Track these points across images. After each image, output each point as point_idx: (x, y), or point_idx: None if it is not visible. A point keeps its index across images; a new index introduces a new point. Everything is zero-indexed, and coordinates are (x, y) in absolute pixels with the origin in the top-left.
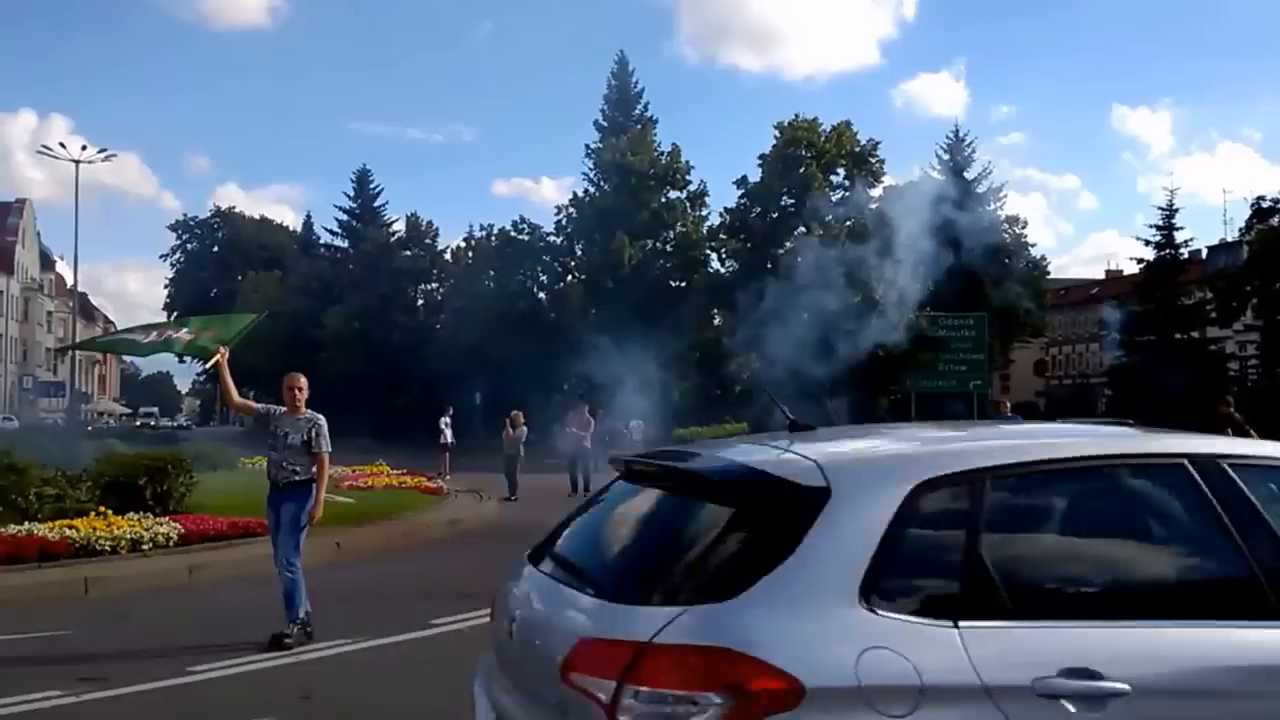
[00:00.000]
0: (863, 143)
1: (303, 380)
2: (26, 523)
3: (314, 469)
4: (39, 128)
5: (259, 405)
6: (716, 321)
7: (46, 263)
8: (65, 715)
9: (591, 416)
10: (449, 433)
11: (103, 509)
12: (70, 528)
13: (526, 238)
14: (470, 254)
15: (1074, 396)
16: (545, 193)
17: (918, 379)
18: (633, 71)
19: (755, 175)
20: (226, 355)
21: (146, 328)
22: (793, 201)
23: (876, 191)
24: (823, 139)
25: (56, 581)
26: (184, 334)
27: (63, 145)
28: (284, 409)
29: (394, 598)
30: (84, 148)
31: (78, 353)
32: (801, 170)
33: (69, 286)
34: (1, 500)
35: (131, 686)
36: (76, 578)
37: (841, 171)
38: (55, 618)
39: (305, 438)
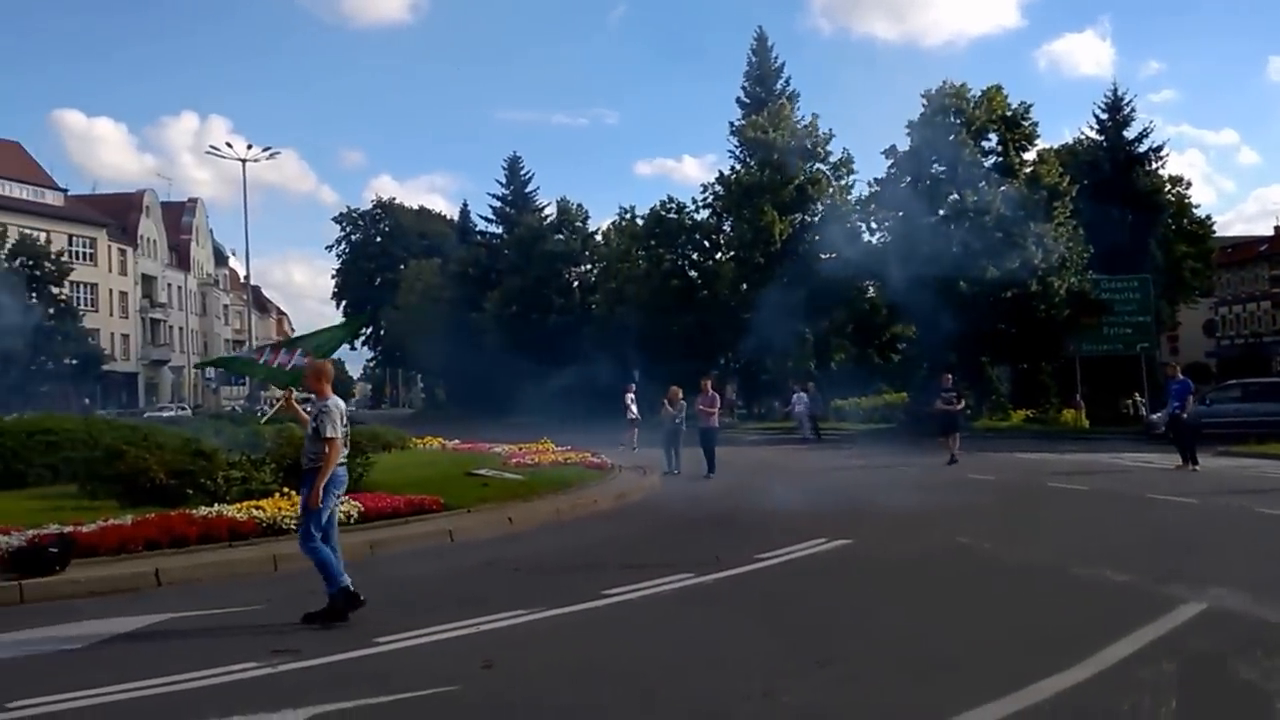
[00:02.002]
0: (1014, 106)
1: (319, 368)
2: (216, 505)
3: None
4: (201, 129)
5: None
6: (870, 292)
7: (220, 258)
8: (262, 685)
9: (718, 393)
10: (634, 407)
11: (286, 489)
12: (257, 508)
13: (675, 216)
14: (619, 234)
15: (1246, 356)
16: (687, 171)
17: (1081, 343)
18: (772, 46)
19: (904, 144)
20: (294, 395)
21: (262, 348)
22: (943, 169)
23: (1030, 155)
24: (972, 105)
25: (247, 559)
26: (297, 357)
27: (229, 145)
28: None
29: (566, 569)
30: (249, 146)
31: (254, 342)
32: (952, 137)
33: (242, 280)
34: (192, 484)
35: (322, 657)
36: (265, 555)
37: (994, 137)
38: (247, 593)
39: (315, 425)
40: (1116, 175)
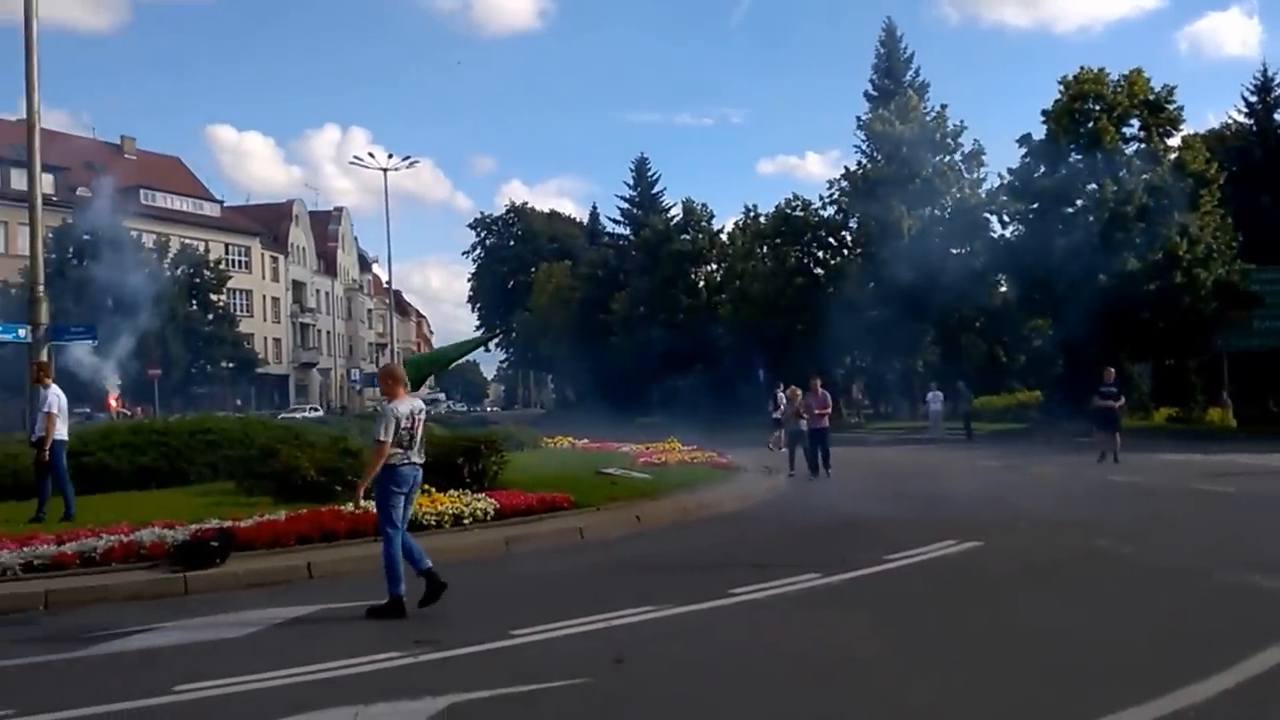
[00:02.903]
0: (1156, 90)
1: (390, 371)
2: (364, 501)
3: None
4: (342, 141)
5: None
6: (1003, 287)
7: (364, 264)
8: (404, 674)
9: (827, 391)
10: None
11: (427, 487)
12: None
13: (799, 214)
14: (744, 233)
15: None
16: (811, 168)
17: (1229, 338)
18: (900, 37)
19: (1039, 133)
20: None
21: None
22: (1081, 158)
23: (1174, 141)
24: (1111, 90)
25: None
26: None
27: (371, 155)
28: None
29: (693, 568)
30: (390, 156)
31: (396, 345)
32: (1091, 124)
33: (384, 285)
34: (341, 481)
35: (461, 649)
36: None
37: (1135, 123)
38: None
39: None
40: (1268, 160)
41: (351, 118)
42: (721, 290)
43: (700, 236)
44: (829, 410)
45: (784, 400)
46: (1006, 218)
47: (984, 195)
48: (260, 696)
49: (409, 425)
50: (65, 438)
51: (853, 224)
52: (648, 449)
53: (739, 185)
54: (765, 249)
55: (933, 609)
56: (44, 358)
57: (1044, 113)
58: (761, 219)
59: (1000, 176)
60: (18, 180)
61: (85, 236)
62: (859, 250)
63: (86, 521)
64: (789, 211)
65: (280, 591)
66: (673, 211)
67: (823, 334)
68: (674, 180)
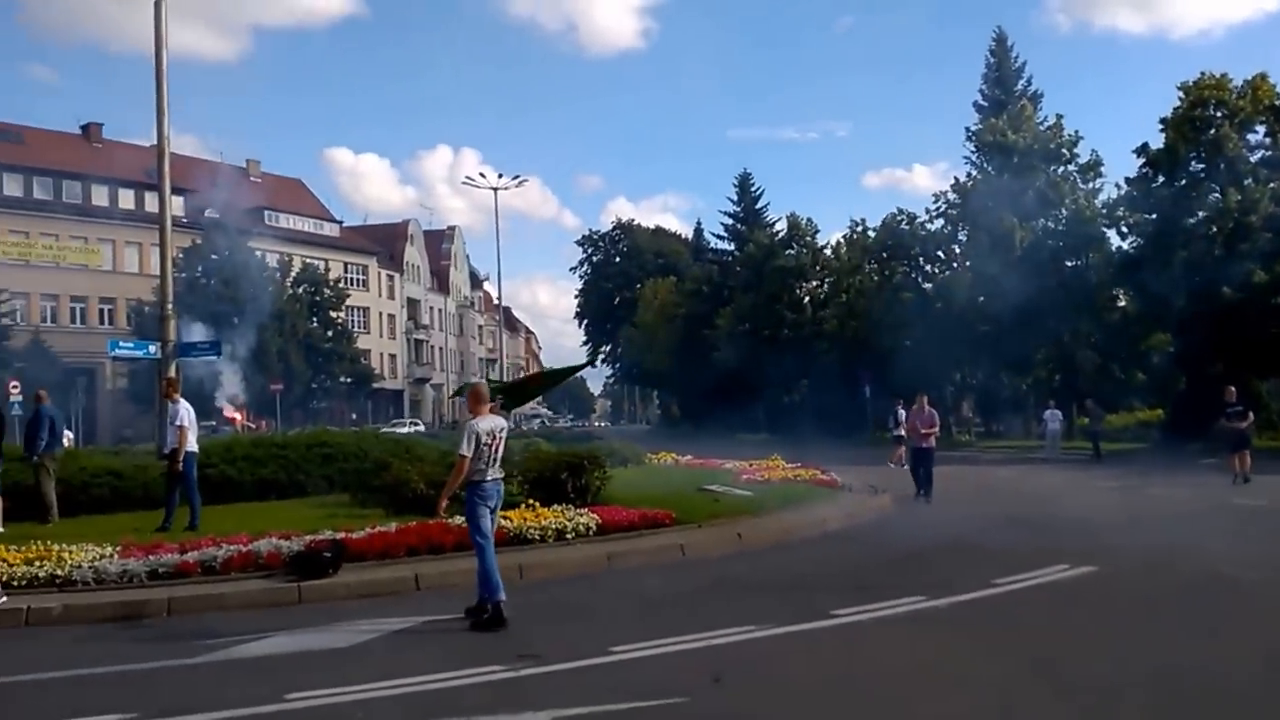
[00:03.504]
0: None
1: (475, 389)
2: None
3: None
4: (454, 161)
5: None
6: (1120, 301)
7: (475, 282)
8: (506, 687)
9: (933, 409)
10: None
11: (531, 501)
12: (504, 519)
13: (906, 227)
14: (850, 248)
15: None
16: (918, 181)
17: None
18: (1011, 46)
19: (1156, 142)
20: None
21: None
22: (1203, 166)
23: None
24: (1234, 95)
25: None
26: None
27: (482, 175)
28: None
29: (795, 587)
30: (500, 176)
31: (505, 361)
32: (1212, 131)
33: (494, 302)
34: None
35: (562, 664)
36: (512, 564)
37: (1260, 129)
38: None
39: None
40: None
41: (463, 139)
42: (826, 306)
43: (804, 252)
44: (935, 430)
45: (904, 416)
46: (1124, 229)
47: (1100, 207)
48: (366, 706)
49: (489, 442)
50: (195, 450)
51: (961, 237)
52: (751, 466)
53: (844, 199)
54: (871, 263)
55: (1041, 636)
56: (173, 373)
57: (1162, 121)
58: (870, 232)
59: (1117, 187)
60: (150, 203)
61: (213, 256)
62: (968, 264)
63: (208, 531)
64: (896, 225)
65: (389, 602)
66: (777, 227)
67: (930, 350)
68: (778, 195)
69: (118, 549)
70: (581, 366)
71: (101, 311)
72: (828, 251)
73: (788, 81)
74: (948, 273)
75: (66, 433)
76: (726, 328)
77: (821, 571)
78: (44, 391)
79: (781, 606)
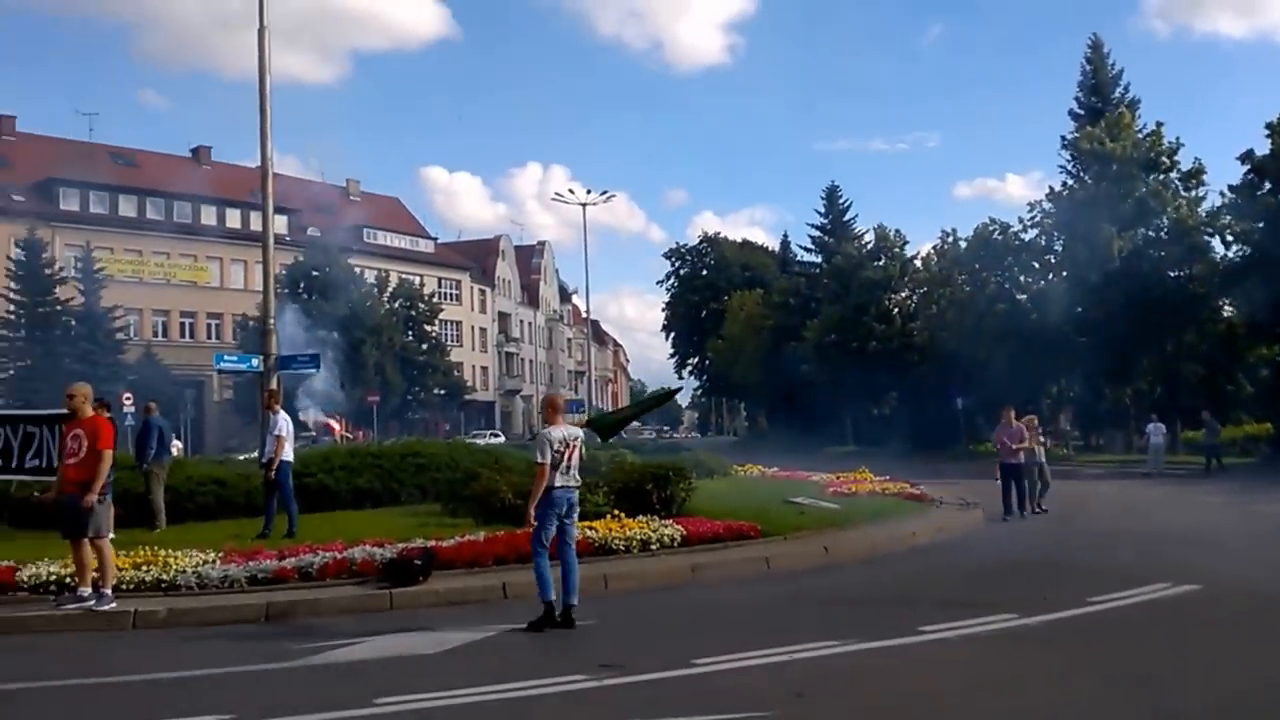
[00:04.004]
0: None
1: (550, 399)
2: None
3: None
4: (543, 178)
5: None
6: (1226, 312)
7: (564, 295)
8: (588, 697)
9: (1021, 424)
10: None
11: (616, 512)
12: (590, 529)
13: (999, 238)
14: (940, 259)
15: None
16: (1011, 190)
17: None
18: (1108, 53)
19: (1262, 148)
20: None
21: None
22: None
23: None
24: None
25: (581, 577)
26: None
27: (571, 191)
28: None
29: (880, 602)
30: (588, 191)
31: (594, 374)
32: None
33: (583, 315)
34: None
35: (644, 675)
36: (597, 574)
37: None
38: (580, 609)
39: None
40: None
41: (552, 156)
42: (916, 317)
43: (893, 263)
44: (1025, 444)
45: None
46: (1229, 238)
47: (1203, 215)
48: (454, 712)
49: (562, 450)
50: (291, 459)
51: (1057, 247)
52: (838, 479)
53: (934, 210)
54: (963, 274)
55: (1140, 656)
56: (274, 385)
57: (1268, 126)
58: (961, 243)
59: (1221, 195)
60: (254, 222)
61: (314, 273)
62: (1064, 274)
63: (305, 539)
64: (988, 235)
65: (477, 610)
66: (865, 238)
67: (1026, 362)
68: (866, 207)
69: (220, 555)
70: (669, 395)
71: (209, 326)
72: (917, 263)
73: (876, 92)
74: (1043, 283)
75: (175, 442)
76: (813, 340)
77: (909, 586)
78: (153, 403)
79: (867, 621)
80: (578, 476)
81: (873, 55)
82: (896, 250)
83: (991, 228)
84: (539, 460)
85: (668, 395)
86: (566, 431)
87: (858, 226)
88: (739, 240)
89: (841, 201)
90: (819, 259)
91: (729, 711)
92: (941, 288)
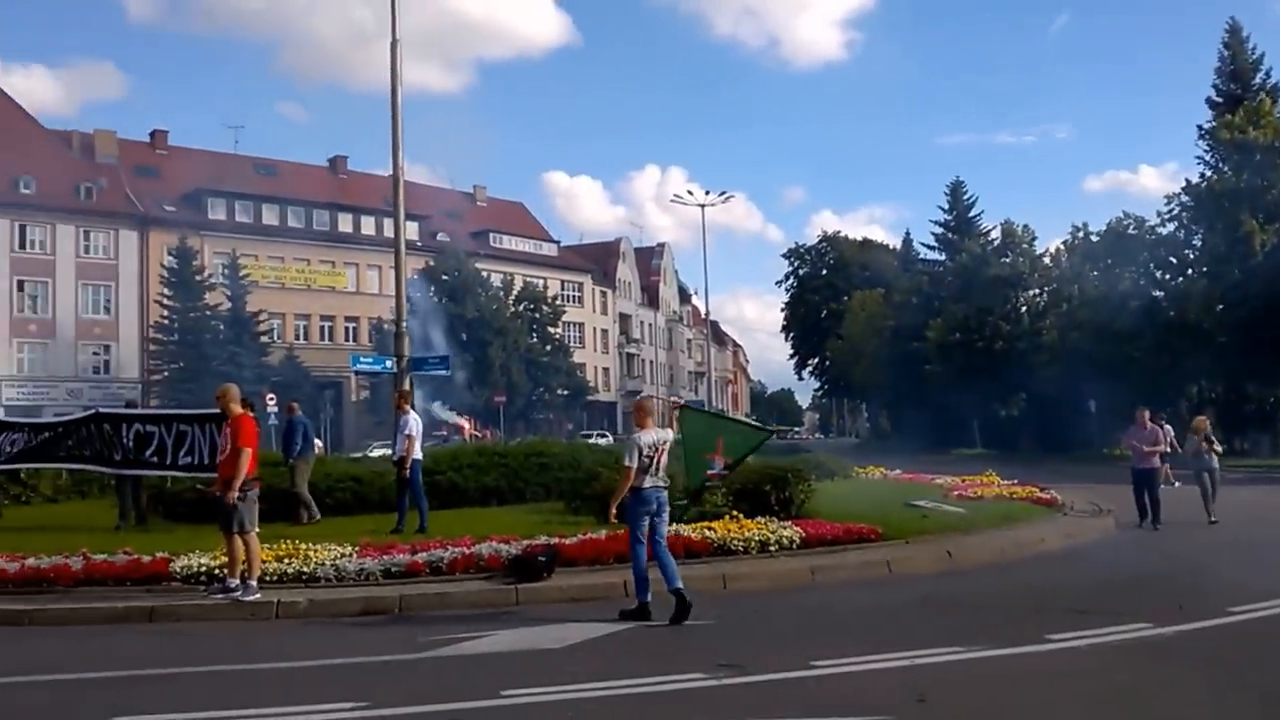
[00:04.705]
0: None
1: (640, 404)
2: (674, 524)
3: None
4: (661, 180)
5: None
6: None
7: (683, 297)
8: (706, 695)
9: (1158, 426)
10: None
11: (735, 513)
12: (709, 529)
13: (1134, 232)
14: (1071, 255)
15: None
16: (1145, 182)
17: None
18: (1247, 38)
19: None
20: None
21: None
22: None
23: None
24: None
25: (700, 576)
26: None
27: (689, 193)
28: None
29: (1006, 609)
30: (707, 193)
31: (714, 374)
32: None
33: (702, 316)
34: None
35: (763, 675)
36: (716, 574)
37: None
38: (699, 608)
39: None
40: None
41: (669, 158)
42: (1045, 316)
43: (1021, 260)
44: (1159, 448)
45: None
46: None
47: None
48: (576, 706)
49: (650, 453)
50: (420, 457)
51: (1196, 241)
52: (963, 482)
53: (1063, 204)
54: (1095, 271)
55: None
56: (405, 386)
57: None
58: (1093, 238)
59: None
60: (388, 228)
61: (444, 277)
62: (1204, 269)
63: (436, 534)
64: (1122, 230)
65: (598, 607)
66: (991, 234)
67: (1163, 362)
68: (992, 202)
69: (356, 549)
70: (772, 433)
71: (346, 329)
72: (1046, 259)
73: (1001, 84)
74: (1180, 280)
75: (316, 441)
76: (937, 339)
77: (1036, 593)
78: (295, 403)
79: (991, 628)
80: (666, 478)
81: (997, 45)
82: (1024, 246)
83: (1125, 222)
84: (627, 464)
85: (771, 432)
86: (656, 435)
87: (983, 223)
88: (859, 239)
89: (966, 197)
90: (942, 256)
91: (848, 714)
92: (1072, 285)
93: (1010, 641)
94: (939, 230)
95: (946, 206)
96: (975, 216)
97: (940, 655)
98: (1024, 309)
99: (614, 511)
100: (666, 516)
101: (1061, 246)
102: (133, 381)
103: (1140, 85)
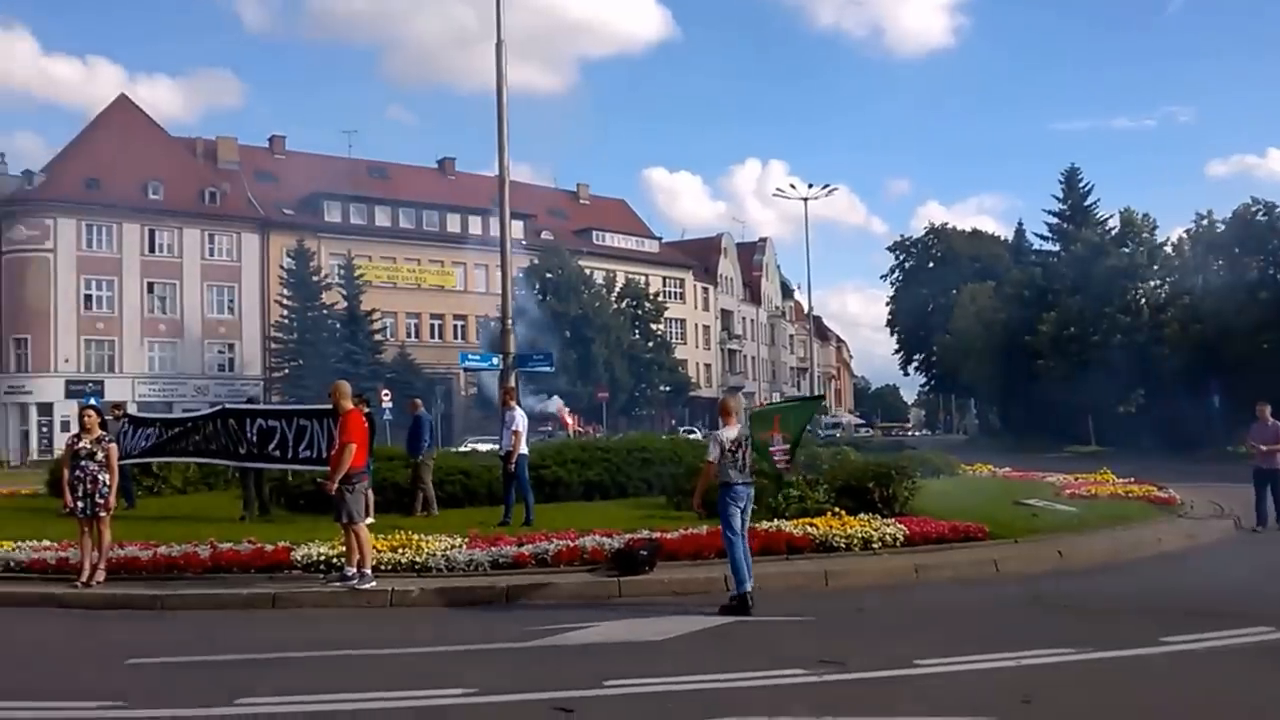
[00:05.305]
0: None
1: (723, 403)
2: (776, 520)
3: None
4: (762, 174)
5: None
6: None
7: (785, 292)
8: (806, 691)
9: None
10: None
11: (837, 510)
12: (811, 525)
13: (1263, 219)
14: (1194, 244)
15: None
16: (1273, 166)
17: None
18: None
19: None
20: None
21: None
22: None
23: None
24: None
25: (801, 573)
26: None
27: (792, 186)
28: None
29: (1119, 610)
30: (810, 186)
31: (817, 370)
32: None
33: (805, 311)
34: (755, 500)
35: (864, 673)
36: (818, 570)
37: None
38: (800, 604)
39: None
40: None
41: (770, 151)
42: (1166, 308)
43: (1140, 250)
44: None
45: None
46: None
47: None
48: (676, 698)
49: (734, 449)
50: (526, 452)
51: None
52: (1076, 480)
53: (1185, 191)
54: (1220, 260)
55: None
56: (511, 383)
57: None
58: (1219, 226)
59: None
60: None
61: (548, 275)
62: None
63: (541, 527)
64: (1250, 216)
65: (700, 601)
66: (1108, 223)
67: None
68: (1109, 190)
69: (465, 540)
70: (821, 398)
71: (455, 327)
72: (1167, 249)
73: (1119, 66)
74: None
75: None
76: (1050, 333)
77: (1151, 595)
78: (418, 400)
79: (1103, 630)
80: (751, 474)
81: (1112, 27)
82: (1144, 235)
83: (1255, 208)
84: (709, 458)
85: (815, 400)
86: (739, 432)
87: (1100, 211)
88: (967, 230)
89: (1082, 185)
90: (1056, 247)
91: (950, 714)
92: (1195, 275)
93: (1122, 644)
94: (1053, 220)
95: (1061, 195)
96: (1091, 205)
97: (1048, 656)
98: (1143, 301)
99: (697, 503)
100: (749, 513)
101: (1184, 235)
102: (255, 378)
103: (1269, 64)
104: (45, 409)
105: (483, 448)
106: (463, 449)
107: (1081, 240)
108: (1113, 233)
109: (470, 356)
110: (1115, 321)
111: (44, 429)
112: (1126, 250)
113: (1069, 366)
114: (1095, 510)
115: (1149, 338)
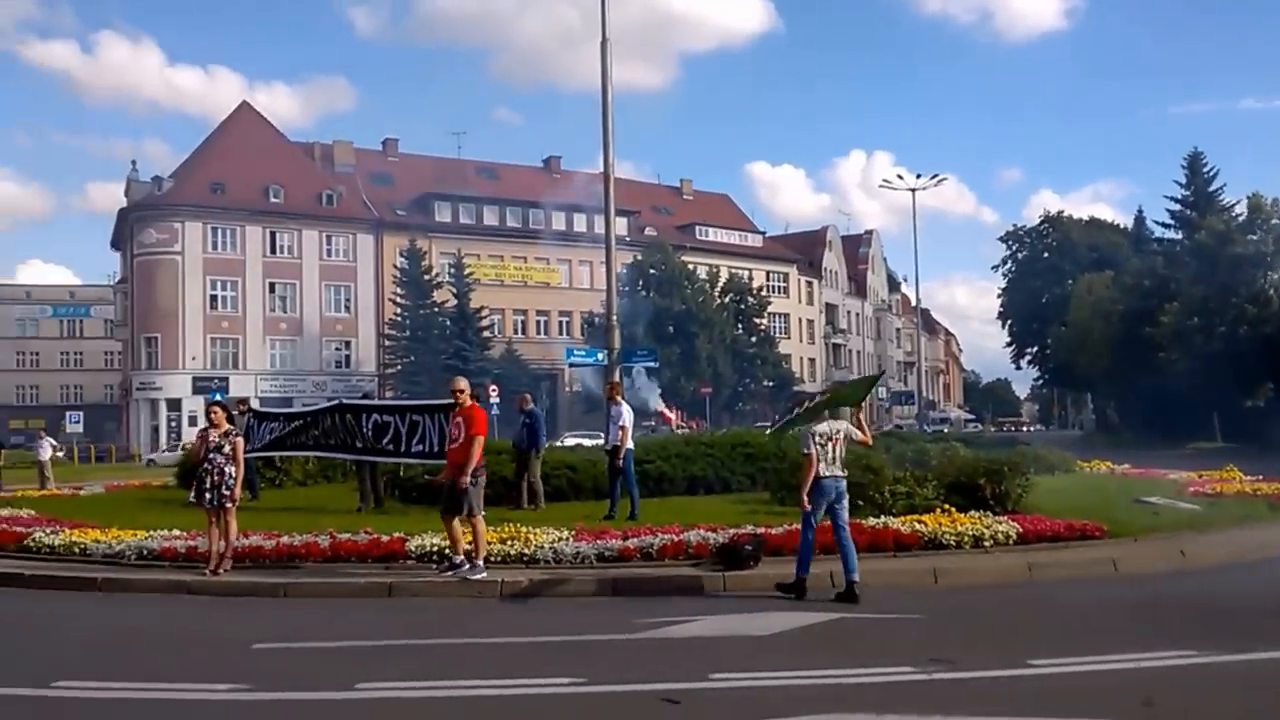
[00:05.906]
0: None
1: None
2: (882, 516)
3: None
4: (866, 165)
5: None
6: None
7: (892, 285)
8: (916, 689)
9: None
10: None
11: (946, 506)
12: (919, 522)
13: None
14: None
15: None
16: None
17: None
18: None
19: None
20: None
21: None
22: None
23: None
24: None
25: (909, 570)
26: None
27: (900, 177)
28: None
29: (1245, 612)
30: (918, 176)
31: (924, 364)
32: None
33: (912, 304)
34: (862, 496)
35: (976, 671)
36: (926, 568)
37: None
38: (908, 602)
39: None
40: None
41: (875, 142)
42: None
43: (1270, 237)
44: None
45: None
46: None
47: None
48: (781, 692)
49: (824, 442)
50: (632, 447)
51: None
52: (1200, 477)
53: None
54: None
55: None
56: (616, 377)
57: None
58: None
59: None
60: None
61: (652, 271)
62: None
63: (646, 521)
64: None
65: (808, 596)
66: (1235, 209)
67: None
68: (1235, 174)
69: (572, 533)
70: (880, 375)
71: (560, 323)
72: None
73: (1245, 45)
74: None
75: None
76: (1172, 325)
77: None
78: (529, 395)
79: (1228, 631)
80: (844, 468)
81: (1235, 2)
82: (1274, 222)
83: None
84: (806, 451)
85: (874, 379)
86: (830, 426)
87: (1226, 197)
88: (1084, 219)
89: (1206, 170)
90: (1179, 235)
91: (1068, 716)
92: None
93: (1249, 647)
94: (1175, 207)
95: (1184, 180)
96: (1217, 191)
97: (1170, 659)
98: (1272, 290)
99: (805, 499)
100: (846, 505)
101: None
102: (370, 374)
103: None
104: (174, 404)
105: (587, 443)
106: (568, 443)
107: (1206, 227)
108: (1239, 219)
109: (575, 352)
110: (1242, 312)
111: (173, 424)
112: (1254, 237)
113: (1192, 359)
114: (1220, 509)
115: (1278, 328)
